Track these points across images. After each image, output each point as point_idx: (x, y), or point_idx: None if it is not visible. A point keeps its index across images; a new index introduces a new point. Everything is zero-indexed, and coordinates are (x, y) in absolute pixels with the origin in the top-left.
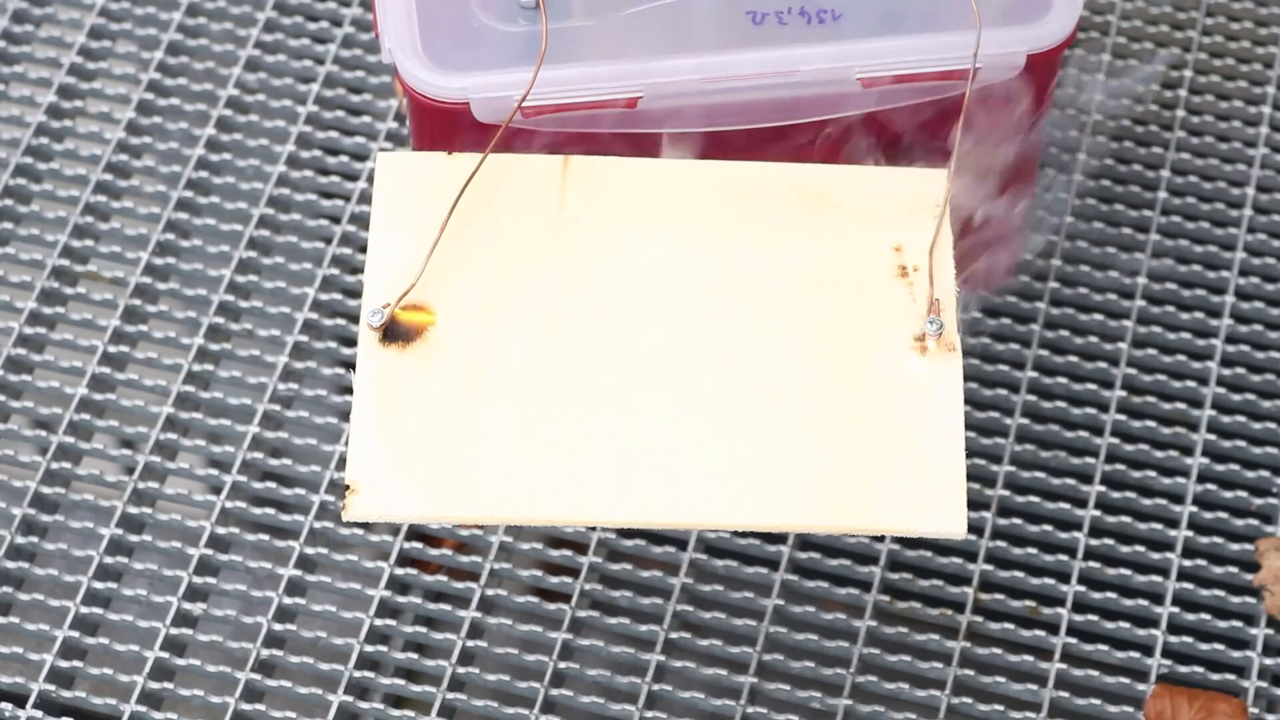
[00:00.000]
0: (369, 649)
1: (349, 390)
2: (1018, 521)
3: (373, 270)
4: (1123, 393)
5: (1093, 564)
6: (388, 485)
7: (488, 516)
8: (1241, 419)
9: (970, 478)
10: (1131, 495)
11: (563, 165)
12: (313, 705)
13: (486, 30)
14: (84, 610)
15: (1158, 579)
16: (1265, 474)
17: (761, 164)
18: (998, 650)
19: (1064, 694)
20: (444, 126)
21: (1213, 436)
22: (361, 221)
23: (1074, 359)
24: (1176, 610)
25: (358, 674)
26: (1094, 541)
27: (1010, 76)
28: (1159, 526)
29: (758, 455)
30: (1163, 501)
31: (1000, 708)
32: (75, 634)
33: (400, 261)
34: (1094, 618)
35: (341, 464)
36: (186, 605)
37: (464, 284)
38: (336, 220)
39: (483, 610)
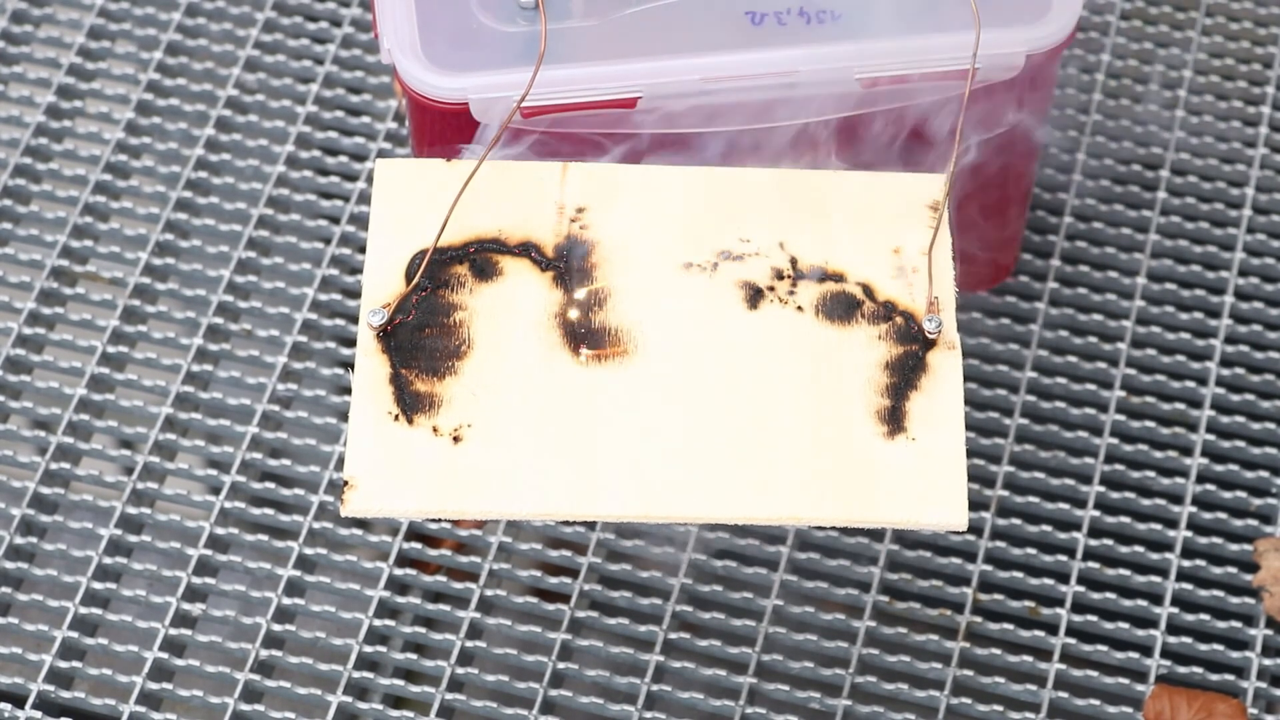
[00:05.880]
0: (368, 649)
1: (348, 391)
2: (1017, 522)
3: (371, 276)
4: (1122, 393)
5: (1092, 564)
6: (386, 480)
7: (486, 511)
8: (1240, 419)
9: (970, 478)
10: (1131, 496)
11: (561, 171)
12: (312, 706)
13: (486, 30)
14: (83, 611)
15: (1157, 579)
16: (1264, 474)
17: (760, 169)
18: (997, 651)
19: (1063, 694)
20: (443, 127)
21: (1212, 437)
22: (360, 222)
23: (1073, 359)
24: (1176, 611)
25: (357, 674)
26: (1093, 542)
27: (1010, 76)
28: (1158, 527)
29: (759, 450)
30: (1162, 502)
31: (999, 708)
32: (74, 634)
33: (399, 265)
34: (1093, 618)
35: (340, 464)
36: (185, 606)
37: (463, 285)
38: (336, 221)
39: (482, 611)
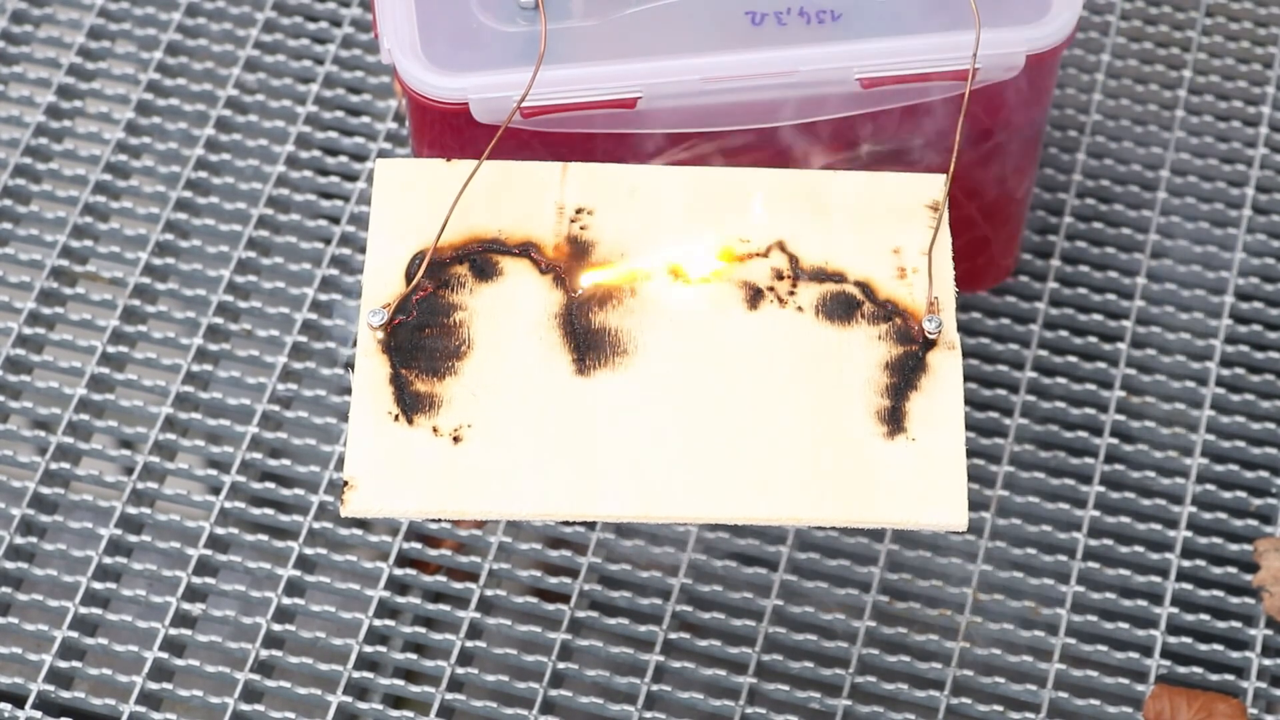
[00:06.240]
0: (368, 649)
1: (348, 391)
2: (1017, 522)
3: (371, 275)
4: (1122, 393)
5: (1092, 564)
6: (386, 480)
7: (486, 511)
8: (1241, 419)
9: (970, 478)
10: (1131, 496)
11: (561, 171)
12: (312, 706)
13: (486, 30)
14: (83, 611)
15: (1157, 580)
16: (1264, 474)
17: (760, 169)
18: (997, 651)
19: (1063, 695)
20: (443, 127)
21: (1212, 437)
22: (360, 222)
23: (1073, 359)
24: (1176, 611)
25: (357, 674)
26: (1093, 542)
27: (1010, 76)
28: (1158, 527)
29: (759, 450)
30: (1162, 502)
31: (999, 708)
32: (74, 634)
33: (399, 265)
34: (1093, 618)
35: (340, 464)
36: (185, 606)
37: (463, 285)
38: (336, 221)
39: (482, 611)
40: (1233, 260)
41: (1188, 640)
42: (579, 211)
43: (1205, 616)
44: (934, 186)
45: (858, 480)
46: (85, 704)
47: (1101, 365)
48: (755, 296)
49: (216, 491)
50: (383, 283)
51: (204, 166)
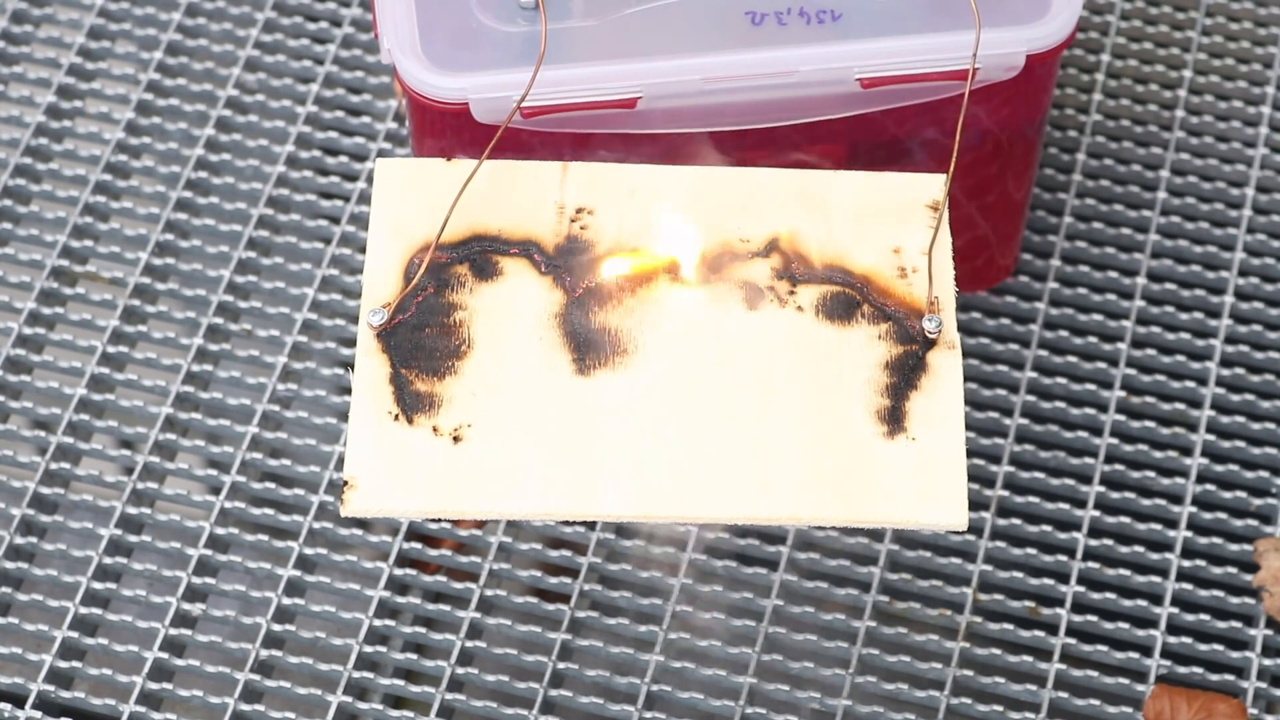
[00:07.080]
0: (368, 650)
1: (348, 391)
2: (1017, 522)
3: (371, 276)
4: (1122, 393)
5: (1092, 564)
6: (386, 480)
7: (487, 511)
8: (1240, 420)
9: (970, 478)
10: (1131, 496)
11: (562, 171)
12: (312, 706)
13: (486, 30)
14: (83, 611)
15: (1157, 579)
16: (1264, 474)
17: (760, 169)
18: (997, 651)
19: (1063, 694)
20: (443, 127)
21: (1212, 437)
22: (360, 222)
23: (1073, 359)
24: (1176, 611)
25: (357, 675)
26: (1093, 542)
27: (1009, 77)
28: (1158, 527)
29: (759, 449)
30: (1162, 502)
31: (999, 708)
32: (74, 634)
33: (399, 265)
34: (1093, 618)
35: (341, 465)
36: (185, 606)
37: (463, 285)
38: (336, 221)
39: (482, 611)
40: (1233, 260)
41: (1188, 640)
42: (579, 211)
43: (1205, 616)
44: (934, 186)
45: (858, 480)
46: (85, 704)
47: (1101, 365)
48: (755, 296)
49: (216, 491)
50: (382, 283)
51: (204, 166)
